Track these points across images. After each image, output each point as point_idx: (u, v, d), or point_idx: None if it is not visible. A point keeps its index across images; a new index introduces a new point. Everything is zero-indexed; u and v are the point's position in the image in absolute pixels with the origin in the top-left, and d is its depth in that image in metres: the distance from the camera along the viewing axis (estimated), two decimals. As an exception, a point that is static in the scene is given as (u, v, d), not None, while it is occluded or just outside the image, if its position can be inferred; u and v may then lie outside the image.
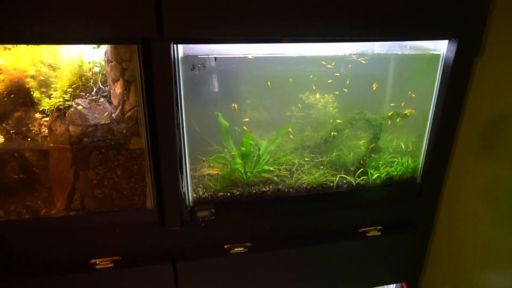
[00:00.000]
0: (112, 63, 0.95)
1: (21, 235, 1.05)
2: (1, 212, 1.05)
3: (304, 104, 1.19)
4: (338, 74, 1.10)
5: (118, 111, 0.98)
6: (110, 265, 1.11)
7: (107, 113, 0.99)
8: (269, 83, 1.08)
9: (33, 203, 1.06)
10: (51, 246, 1.07)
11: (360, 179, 1.21)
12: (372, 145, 1.22)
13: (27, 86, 1.03)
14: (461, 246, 1.24)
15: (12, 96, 1.06)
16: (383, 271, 1.36)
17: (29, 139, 1.05)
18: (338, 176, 1.20)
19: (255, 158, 1.14)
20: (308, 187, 1.17)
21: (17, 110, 1.08)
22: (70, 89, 1.00)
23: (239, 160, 1.14)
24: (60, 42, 0.95)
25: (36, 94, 1.05)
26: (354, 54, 1.08)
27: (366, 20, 0.96)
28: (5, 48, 1.03)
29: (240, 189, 1.14)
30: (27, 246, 1.06)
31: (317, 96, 1.19)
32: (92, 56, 1.02)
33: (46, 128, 1.06)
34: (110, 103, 1.00)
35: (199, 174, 1.13)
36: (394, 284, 1.46)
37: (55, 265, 1.09)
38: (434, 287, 1.40)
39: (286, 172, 1.17)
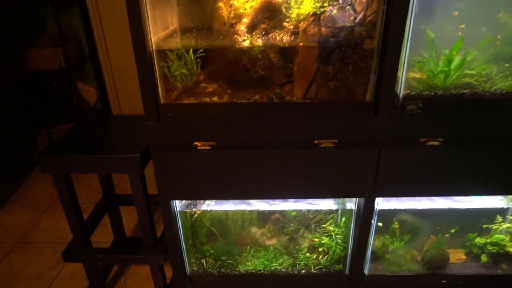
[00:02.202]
0: (365, -25, 1.19)
1: (270, 115, 1.38)
2: (257, 96, 1.40)
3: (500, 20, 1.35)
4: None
5: (361, 15, 1.24)
6: (330, 145, 1.41)
7: (352, 17, 1.25)
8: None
9: (280, 91, 1.39)
10: (287, 125, 1.40)
11: (550, 89, 1.35)
12: None
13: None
14: None
15: (263, 9, 1.37)
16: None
17: (277, 42, 1.36)
18: (530, 85, 1.35)
19: (456, 64, 1.34)
20: (503, 92, 1.34)
21: (264, 22, 1.40)
22: (322, -1, 1.27)
23: (441, 67, 1.35)
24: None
25: (283, 7, 1.35)
26: None
27: None
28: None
29: (441, 90, 1.35)
30: (270, 123, 1.40)
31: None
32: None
33: (287, 35, 1.36)
34: (354, 10, 1.26)
35: (409, 76, 1.36)
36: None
37: (288, 141, 1.43)
38: None
39: (484, 78, 1.36)
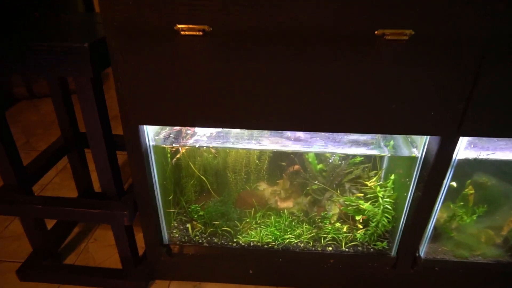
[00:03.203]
0: None
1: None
2: None
3: None
4: None
5: None
6: (402, 38, 0.84)
7: None
8: None
9: None
10: (331, 2, 0.84)
11: None
12: None
13: None
14: None
15: None
16: None
17: None
18: None
19: None
20: None
21: None
22: None
23: None
24: None
25: None
26: None
27: None
28: None
29: None
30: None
31: None
32: None
33: None
34: None
35: None
36: None
37: (331, 29, 0.86)
38: None
39: None
